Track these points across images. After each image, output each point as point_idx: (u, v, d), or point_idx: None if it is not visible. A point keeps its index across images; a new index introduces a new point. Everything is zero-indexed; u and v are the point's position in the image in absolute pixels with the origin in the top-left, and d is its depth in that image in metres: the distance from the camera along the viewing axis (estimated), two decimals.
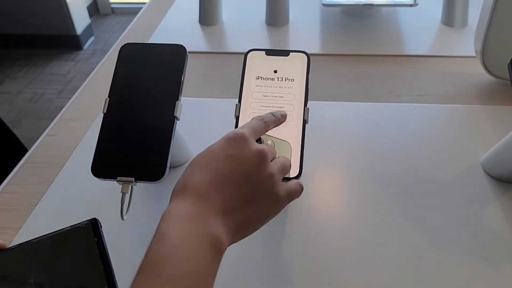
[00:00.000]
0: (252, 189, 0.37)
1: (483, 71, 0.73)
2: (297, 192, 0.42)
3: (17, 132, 0.98)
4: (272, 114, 0.47)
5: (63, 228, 0.40)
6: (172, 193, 0.38)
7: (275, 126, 0.47)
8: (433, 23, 0.93)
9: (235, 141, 0.39)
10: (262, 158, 0.38)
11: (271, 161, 0.40)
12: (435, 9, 0.95)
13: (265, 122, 0.45)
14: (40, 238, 0.40)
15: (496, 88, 0.73)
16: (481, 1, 0.72)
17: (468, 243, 0.50)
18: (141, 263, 0.32)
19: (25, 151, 0.90)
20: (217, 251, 0.34)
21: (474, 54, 0.75)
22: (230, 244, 0.37)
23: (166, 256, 0.32)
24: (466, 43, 0.84)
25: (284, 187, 0.40)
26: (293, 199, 0.41)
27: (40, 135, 0.70)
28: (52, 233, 0.39)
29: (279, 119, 0.47)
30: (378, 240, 0.51)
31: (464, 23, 0.91)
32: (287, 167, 0.43)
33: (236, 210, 0.37)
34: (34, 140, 0.69)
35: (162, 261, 0.32)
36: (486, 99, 0.71)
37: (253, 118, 0.45)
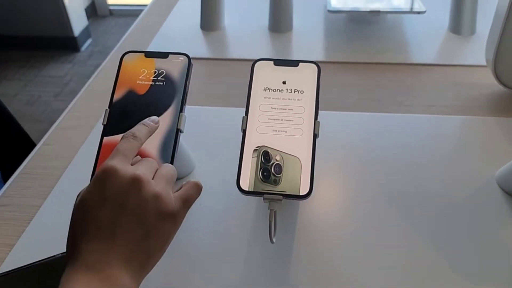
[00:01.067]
0: (143, 223, 0.35)
1: (494, 81, 0.71)
2: (193, 196, 0.39)
3: None
4: (143, 123, 0.43)
5: (54, 255, 0.37)
6: (65, 259, 0.35)
7: (150, 136, 0.43)
8: (440, 31, 0.91)
9: (105, 178, 0.35)
10: (138, 184, 0.35)
11: (153, 177, 0.38)
12: (442, 16, 0.93)
13: (135, 137, 0.41)
14: (29, 266, 0.37)
15: (509, 99, 0.71)
16: (489, 8, 0.70)
17: (482, 263, 0.48)
18: None
19: (32, 143, 0.88)
20: None
21: (483, 63, 0.73)
22: (138, 285, 0.34)
23: None
24: (475, 51, 0.82)
25: (176, 197, 0.38)
26: (191, 205, 0.39)
27: (36, 137, 0.67)
28: (42, 260, 0.37)
29: (151, 127, 0.44)
30: (387, 257, 0.49)
31: (472, 31, 0.89)
32: (172, 175, 0.40)
33: (134, 251, 0.34)
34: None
35: None
36: (499, 110, 0.69)
37: (122, 137, 0.41)
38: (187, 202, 0.38)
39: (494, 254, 0.49)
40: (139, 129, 0.42)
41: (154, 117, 0.45)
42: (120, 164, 0.36)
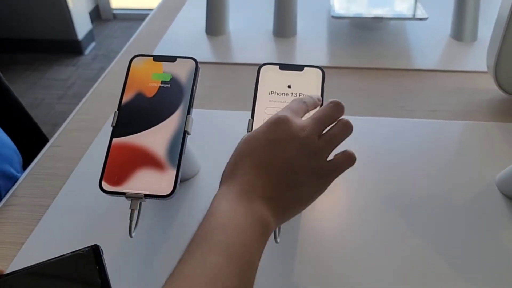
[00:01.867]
0: (294, 174, 0.38)
1: (495, 87, 0.72)
2: (342, 167, 0.41)
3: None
4: (310, 96, 0.46)
5: (63, 255, 0.38)
6: (221, 180, 0.40)
7: (313, 109, 0.45)
8: (443, 37, 0.92)
9: (277, 125, 0.39)
10: (303, 139, 0.39)
11: (323, 131, 0.41)
12: (444, 23, 0.94)
13: (304, 102, 0.44)
14: (39, 265, 0.38)
15: (510, 105, 0.72)
16: (491, 15, 0.71)
17: (483, 266, 0.49)
18: (193, 236, 0.34)
19: (45, 138, 0.89)
20: (264, 230, 0.36)
21: (485, 69, 0.74)
22: (278, 225, 0.38)
23: (217, 227, 0.34)
24: (477, 58, 0.84)
25: (331, 163, 0.41)
26: (340, 173, 0.41)
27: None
28: (52, 260, 0.38)
29: (316, 102, 0.46)
30: (389, 259, 0.50)
31: (474, 37, 0.90)
32: (339, 137, 0.42)
33: (279, 195, 0.38)
34: None
35: (213, 231, 0.34)
36: (500, 116, 0.70)
37: (293, 100, 0.44)
38: (335, 171, 0.41)
39: (494, 257, 0.49)
40: (308, 98, 0.45)
41: (319, 96, 0.48)
42: (292, 116, 0.40)
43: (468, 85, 0.78)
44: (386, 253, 0.50)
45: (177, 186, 0.46)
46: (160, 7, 1.14)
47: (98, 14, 3.12)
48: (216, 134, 0.68)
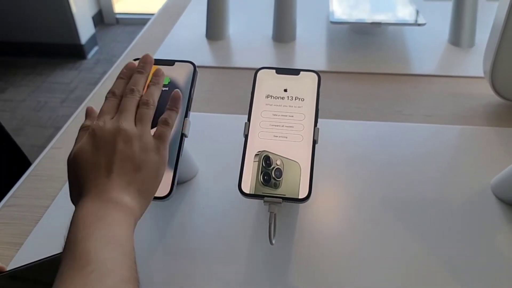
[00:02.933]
0: (132, 159, 0.41)
1: (492, 92, 0.73)
2: (164, 131, 0.45)
3: (19, 140, 0.97)
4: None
5: (52, 255, 0.39)
6: (74, 204, 0.41)
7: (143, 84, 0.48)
8: (440, 42, 0.93)
9: (95, 135, 0.42)
10: (123, 133, 0.42)
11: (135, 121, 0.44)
12: (442, 28, 0.95)
13: (114, 95, 0.47)
14: (39, 262, 0.39)
15: (505, 110, 0.73)
16: (488, 21, 0.72)
17: (478, 270, 0.49)
18: (62, 251, 0.35)
19: (27, 161, 0.89)
20: (126, 212, 0.39)
21: (482, 75, 0.75)
22: (140, 208, 0.41)
23: (79, 229, 0.36)
24: (474, 63, 0.84)
25: (154, 136, 0.44)
26: (166, 138, 0.45)
27: (42, 143, 0.70)
28: (51, 256, 0.39)
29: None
30: (385, 262, 0.50)
31: (472, 43, 0.91)
32: (148, 115, 0.45)
33: (130, 181, 0.40)
34: (35, 148, 0.69)
35: (76, 233, 0.35)
36: (495, 121, 0.71)
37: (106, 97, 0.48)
38: (161, 138, 0.44)
39: (490, 260, 0.50)
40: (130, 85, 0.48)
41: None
42: (106, 121, 0.43)
43: (465, 90, 0.79)
44: (382, 257, 0.51)
45: (174, 188, 0.46)
46: (161, 12, 1.15)
47: (101, 19, 3.14)
48: (213, 137, 0.69)
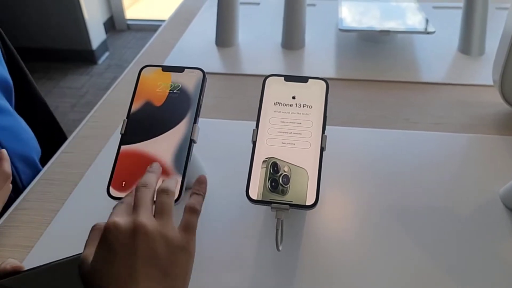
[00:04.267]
0: (157, 264, 0.36)
1: (501, 100, 0.73)
2: (193, 222, 0.40)
3: None
4: (149, 171, 0.44)
5: (63, 258, 0.40)
6: None
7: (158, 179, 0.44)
8: (450, 50, 0.93)
9: (110, 236, 0.37)
10: (143, 230, 0.36)
11: (151, 211, 0.39)
12: (451, 37, 0.95)
13: (122, 202, 0.41)
14: (41, 267, 0.40)
15: None
16: (499, 29, 0.72)
17: (486, 280, 0.49)
18: None
19: (64, 136, 0.94)
20: None
21: (491, 83, 0.75)
22: None
23: None
24: (483, 71, 0.84)
25: (180, 229, 0.39)
26: (195, 230, 0.40)
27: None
28: (52, 263, 0.39)
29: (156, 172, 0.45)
30: (391, 270, 0.50)
31: (481, 51, 0.91)
32: (169, 205, 0.40)
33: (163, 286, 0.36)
34: None
35: None
36: (505, 129, 0.70)
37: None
38: (189, 230, 0.40)
39: (498, 270, 0.50)
40: (126, 198, 0.42)
41: (154, 164, 0.46)
42: (119, 218, 0.38)
43: (473, 98, 0.78)
44: (388, 264, 0.51)
45: (183, 193, 0.47)
46: (172, 18, 1.16)
47: (113, 25, 3.18)
48: (222, 143, 0.69)
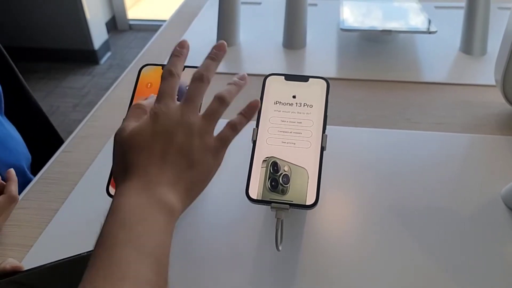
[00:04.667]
0: (188, 155, 0.39)
1: (503, 100, 0.72)
2: (229, 136, 0.43)
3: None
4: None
5: (67, 257, 0.40)
6: (115, 180, 0.40)
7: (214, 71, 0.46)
8: (452, 50, 0.93)
9: (157, 117, 0.40)
10: (186, 124, 0.40)
11: (198, 109, 0.42)
12: (453, 36, 0.95)
13: (172, 75, 0.43)
14: (55, 263, 0.40)
15: None
16: (501, 29, 0.71)
17: (488, 281, 0.48)
18: (97, 239, 0.34)
19: (61, 139, 0.93)
20: (169, 214, 0.37)
21: (493, 83, 0.75)
22: (183, 207, 0.39)
23: (119, 225, 0.34)
24: (486, 71, 0.84)
25: (216, 137, 0.42)
26: (228, 144, 0.43)
27: None
28: (55, 262, 0.39)
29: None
30: (392, 270, 0.50)
31: (483, 51, 0.90)
32: (216, 113, 0.42)
33: (180, 179, 0.39)
34: None
35: (116, 230, 0.34)
36: (507, 129, 0.70)
37: (161, 77, 0.43)
38: (224, 141, 0.42)
39: (500, 270, 0.49)
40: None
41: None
42: (172, 103, 0.41)
43: (476, 98, 0.78)
44: (389, 265, 0.50)
45: None
46: (173, 18, 1.16)
47: (115, 25, 3.18)
48: None
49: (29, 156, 0.79)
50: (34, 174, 0.66)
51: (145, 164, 0.38)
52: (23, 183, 0.65)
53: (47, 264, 0.41)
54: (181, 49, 0.47)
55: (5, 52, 0.83)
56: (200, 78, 0.43)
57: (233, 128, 0.43)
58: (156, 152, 0.38)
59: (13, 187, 0.56)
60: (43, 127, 0.93)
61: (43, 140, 0.88)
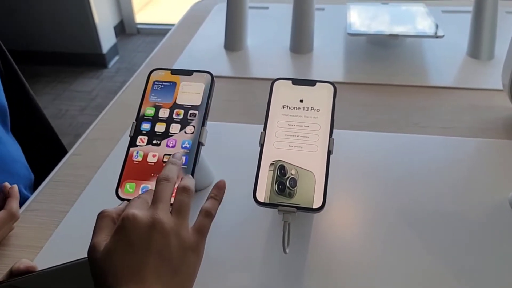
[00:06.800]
0: (169, 261, 0.37)
1: (511, 105, 0.72)
2: (206, 225, 0.41)
3: None
4: (171, 162, 0.45)
5: (75, 260, 0.40)
6: None
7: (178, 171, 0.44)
8: (459, 55, 0.93)
9: (128, 226, 0.37)
10: (159, 226, 0.37)
11: (168, 206, 0.39)
12: (460, 41, 0.95)
13: (139, 197, 0.42)
14: (51, 268, 0.40)
15: None
16: (508, 33, 0.71)
17: (497, 284, 0.48)
18: None
19: (64, 149, 0.93)
20: None
21: (501, 88, 0.74)
22: None
23: None
24: (493, 76, 0.83)
25: (193, 230, 0.40)
26: (206, 234, 0.41)
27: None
28: (77, 260, 0.40)
29: (178, 164, 0.45)
30: (399, 274, 0.50)
31: (491, 55, 0.90)
32: (186, 205, 0.40)
33: (167, 287, 0.36)
34: None
35: None
36: None
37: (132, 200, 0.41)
38: (202, 232, 0.41)
39: (509, 275, 0.49)
40: (144, 195, 0.43)
41: (177, 154, 0.47)
42: (138, 210, 0.38)
43: (483, 103, 0.78)
44: (396, 269, 0.51)
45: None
46: (181, 22, 1.17)
47: (123, 29, 3.20)
48: (229, 146, 0.69)
49: (31, 176, 0.79)
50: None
51: (127, 283, 0.35)
52: (19, 204, 0.63)
53: (57, 266, 0.42)
54: (176, 160, 0.46)
55: (16, 68, 0.83)
56: (166, 178, 0.42)
57: (208, 215, 0.42)
58: (136, 268, 0.36)
59: (14, 204, 0.56)
60: (50, 141, 0.92)
61: (50, 155, 0.87)
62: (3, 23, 2.66)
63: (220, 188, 0.45)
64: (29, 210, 0.61)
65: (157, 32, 3.15)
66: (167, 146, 0.50)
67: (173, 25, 1.18)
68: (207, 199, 0.44)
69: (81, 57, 2.75)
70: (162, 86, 0.53)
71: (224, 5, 0.99)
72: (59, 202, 0.61)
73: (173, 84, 0.53)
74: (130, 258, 0.36)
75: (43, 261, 0.52)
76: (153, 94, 0.53)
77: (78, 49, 2.73)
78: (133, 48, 3.03)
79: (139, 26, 3.22)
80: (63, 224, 0.58)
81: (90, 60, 2.75)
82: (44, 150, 0.88)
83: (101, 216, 0.40)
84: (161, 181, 0.41)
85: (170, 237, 0.37)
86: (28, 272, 0.42)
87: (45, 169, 0.70)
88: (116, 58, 2.88)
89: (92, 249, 0.38)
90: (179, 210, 0.40)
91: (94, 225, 0.55)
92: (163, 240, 0.37)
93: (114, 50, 2.86)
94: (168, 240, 0.37)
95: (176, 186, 0.42)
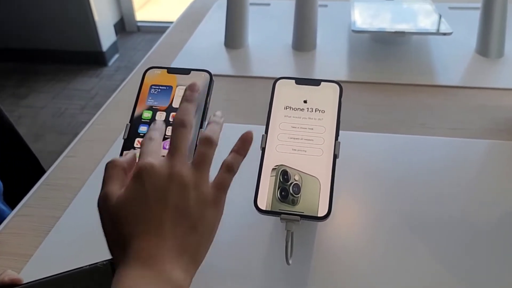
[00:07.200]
0: (187, 216, 0.35)
1: None
2: (226, 179, 0.39)
3: (38, 145, 0.98)
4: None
5: (81, 267, 0.38)
6: (111, 253, 0.36)
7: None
8: (467, 52, 0.90)
9: (144, 176, 0.35)
10: (177, 180, 0.36)
11: (186, 156, 0.37)
12: (469, 38, 0.92)
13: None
14: (57, 276, 0.38)
15: None
16: None
17: None
18: None
19: (42, 169, 0.89)
20: None
21: (511, 87, 0.72)
22: (191, 279, 0.35)
23: None
24: (503, 74, 0.81)
25: (212, 186, 0.38)
26: (227, 188, 0.39)
27: (61, 149, 0.68)
28: (69, 271, 0.37)
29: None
30: (405, 282, 0.47)
31: (500, 53, 0.87)
32: (208, 158, 0.39)
33: (184, 245, 0.35)
34: (54, 154, 0.68)
35: None
36: None
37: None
38: (222, 188, 0.38)
39: None
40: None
41: (188, 92, 0.43)
42: (154, 159, 0.37)
43: (492, 102, 0.75)
44: (403, 277, 0.48)
45: None
46: (180, 20, 1.14)
47: (123, 26, 3.18)
48: (229, 148, 0.66)
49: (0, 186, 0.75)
50: (10, 200, 0.62)
51: (143, 239, 0.34)
52: None
53: (45, 278, 0.39)
54: (192, 93, 0.42)
55: None
56: (181, 124, 0.39)
57: (229, 170, 0.39)
58: (151, 220, 0.34)
59: None
60: (19, 151, 0.89)
61: (21, 167, 0.84)
62: (2, 21, 2.64)
63: (244, 140, 0.42)
64: (19, 215, 0.58)
65: (158, 30, 3.12)
66: (164, 148, 0.47)
67: (173, 22, 1.15)
68: (230, 153, 0.41)
69: (81, 55, 2.73)
70: (159, 90, 0.51)
71: (224, 2, 0.96)
72: (51, 207, 0.59)
73: (169, 88, 0.51)
74: (147, 210, 0.34)
75: (32, 270, 0.50)
76: (150, 98, 0.50)
77: (77, 47, 2.71)
78: (133, 46, 3.01)
79: (139, 24, 3.20)
80: (55, 230, 0.55)
81: (90, 58, 2.73)
82: (14, 159, 0.85)
83: (111, 165, 0.38)
84: (177, 127, 0.39)
85: (189, 191, 0.36)
86: (13, 285, 0.40)
87: (16, 177, 0.66)
88: (116, 56, 2.86)
89: (104, 198, 0.36)
90: (199, 162, 0.38)
91: (87, 231, 0.52)
92: (182, 194, 0.35)
93: (114, 48, 2.84)
94: (187, 193, 0.35)
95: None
